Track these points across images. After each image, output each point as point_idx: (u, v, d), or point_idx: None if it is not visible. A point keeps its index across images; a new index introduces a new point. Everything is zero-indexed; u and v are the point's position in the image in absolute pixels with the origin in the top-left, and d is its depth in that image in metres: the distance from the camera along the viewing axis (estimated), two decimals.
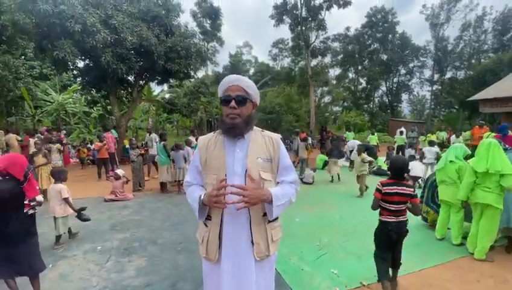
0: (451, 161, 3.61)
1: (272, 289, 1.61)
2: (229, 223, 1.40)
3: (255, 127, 1.53)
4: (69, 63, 9.09)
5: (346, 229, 4.18)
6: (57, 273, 2.97)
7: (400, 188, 2.41)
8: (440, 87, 32.33)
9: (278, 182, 1.52)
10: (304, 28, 22.80)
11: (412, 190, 2.43)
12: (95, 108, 18.29)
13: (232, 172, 1.40)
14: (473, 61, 29.93)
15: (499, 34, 28.05)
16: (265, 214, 1.44)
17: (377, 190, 2.51)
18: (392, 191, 2.42)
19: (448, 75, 32.04)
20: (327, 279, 2.83)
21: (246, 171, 1.39)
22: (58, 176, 3.81)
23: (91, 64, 9.95)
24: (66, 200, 3.70)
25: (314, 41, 23.86)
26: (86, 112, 18.34)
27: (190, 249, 3.52)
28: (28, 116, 16.30)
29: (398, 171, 2.51)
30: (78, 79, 12.47)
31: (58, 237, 3.72)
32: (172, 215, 4.95)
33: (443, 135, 12.62)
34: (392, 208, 2.44)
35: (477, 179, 3.18)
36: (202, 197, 1.39)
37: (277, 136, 1.56)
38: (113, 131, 9.36)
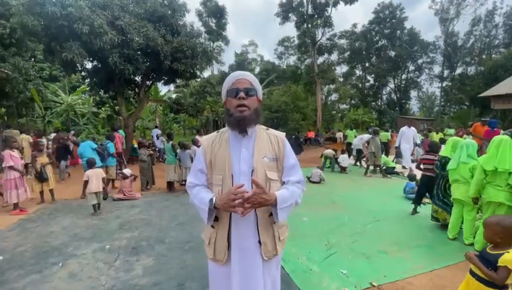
0: (463, 162, 3.53)
1: (278, 287, 1.60)
2: (237, 224, 1.39)
3: (260, 125, 1.51)
4: (78, 64, 9.17)
5: (355, 230, 4.12)
6: (67, 272, 3.01)
7: (429, 156, 4.70)
8: (450, 84, 31.68)
9: (283, 182, 1.50)
10: (310, 26, 22.63)
11: (435, 157, 4.48)
12: (103, 108, 18.57)
13: (238, 172, 1.38)
14: (484, 56, 29.19)
15: (510, 29, 27.29)
16: (271, 214, 1.43)
17: (420, 158, 5.08)
18: (425, 157, 4.79)
19: (459, 71, 31.39)
20: (336, 279, 2.79)
21: (253, 171, 1.38)
22: (92, 164, 5.32)
23: (99, 66, 10.05)
24: (102, 179, 5.16)
25: (320, 39, 23.71)
26: (95, 113, 18.62)
27: (197, 248, 3.52)
28: (38, 117, 16.63)
29: (431, 148, 4.89)
30: (86, 80, 12.64)
31: (99, 205, 5.12)
32: (179, 215, 4.97)
33: (451, 132, 12.32)
34: (424, 167, 4.73)
35: (487, 176, 3.10)
36: (214, 200, 1.34)
37: (282, 135, 1.54)
38: (120, 131, 9.46)
